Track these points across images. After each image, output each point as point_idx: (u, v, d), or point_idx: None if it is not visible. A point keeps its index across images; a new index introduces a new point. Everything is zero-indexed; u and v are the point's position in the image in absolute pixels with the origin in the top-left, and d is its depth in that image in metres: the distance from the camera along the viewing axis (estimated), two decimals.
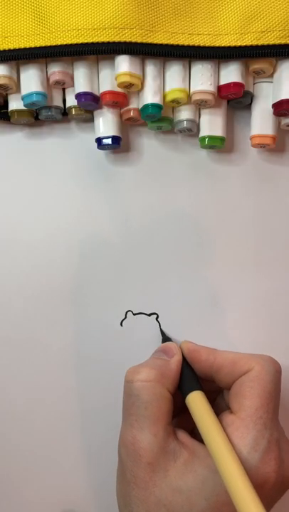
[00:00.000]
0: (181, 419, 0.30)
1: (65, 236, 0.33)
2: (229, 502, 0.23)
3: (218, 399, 0.30)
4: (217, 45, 0.30)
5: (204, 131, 0.32)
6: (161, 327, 0.32)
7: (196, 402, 0.27)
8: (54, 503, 0.33)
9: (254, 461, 0.24)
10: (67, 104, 0.32)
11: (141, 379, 0.27)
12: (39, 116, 0.32)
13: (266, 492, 0.25)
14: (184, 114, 0.32)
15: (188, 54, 0.30)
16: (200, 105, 0.31)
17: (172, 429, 0.27)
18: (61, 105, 0.32)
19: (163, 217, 0.33)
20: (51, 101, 0.32)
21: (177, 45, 0.30)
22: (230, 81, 0.30)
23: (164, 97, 0.31)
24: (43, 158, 0.34)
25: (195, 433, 0.27)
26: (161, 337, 0.32)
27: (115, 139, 0.32)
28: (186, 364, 0.29)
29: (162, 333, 0.32)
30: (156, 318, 0.32)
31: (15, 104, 0.32)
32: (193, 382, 0.28)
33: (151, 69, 0.31)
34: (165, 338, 0.32)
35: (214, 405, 0.29)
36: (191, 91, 0.31)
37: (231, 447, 0.24)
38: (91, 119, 0.33)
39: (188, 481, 0.25)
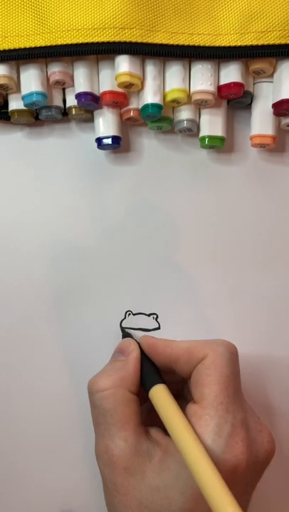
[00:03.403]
0: (154, 415, 0.30)
1: (64, 236, 0.33)
2: None
3: (185, 389, 0.30)
4: (217, 45, 0.30)
5: (204, 131, 0.32)
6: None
7: (158, 395, 0.27)
8: (53, 503, 0.33)
9: (220, 447, 0.24)
10: (67, 104, 0.32)
11: (99, 389, 0.27)
12: (39, 116, 0.32)
13: (240, 474, 0.25)
14: (184, 114, 0.32)
15: (188, 54, 0.30)
16: (200, 105, 0.31)
17: (144, 429, 0.27)
18: (61, 105, 0.32)
19: (163, 217, 0.33)
20: (51, 101, 0.32)
21: (177, 45, 0.30)
22: (230, 81, 0.30)
23: (164, 97, 0.31)
24: (43, 158, 0.34)
25: None
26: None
27: (115, 139, 0.32)
28: (145, 359, 0.29)
29: (122, 328, 0.32)
30: (156, 319, 0.32)
31: (15, 104, 0.32)
32: (154, 376, 0.28)
33: (151, 69, 0.31)
34: (124, 334, 0.32)
35: (181, 396, 0.29)
36: (191, 91, 0.31)
37: (195, 436, 0.24)
38: (91, 119, 0.33)
39: (164, 479, 0.25)
